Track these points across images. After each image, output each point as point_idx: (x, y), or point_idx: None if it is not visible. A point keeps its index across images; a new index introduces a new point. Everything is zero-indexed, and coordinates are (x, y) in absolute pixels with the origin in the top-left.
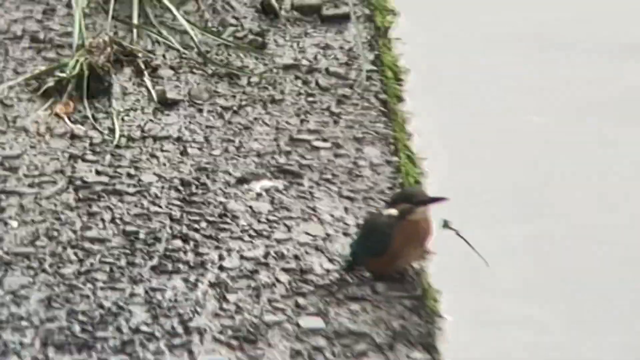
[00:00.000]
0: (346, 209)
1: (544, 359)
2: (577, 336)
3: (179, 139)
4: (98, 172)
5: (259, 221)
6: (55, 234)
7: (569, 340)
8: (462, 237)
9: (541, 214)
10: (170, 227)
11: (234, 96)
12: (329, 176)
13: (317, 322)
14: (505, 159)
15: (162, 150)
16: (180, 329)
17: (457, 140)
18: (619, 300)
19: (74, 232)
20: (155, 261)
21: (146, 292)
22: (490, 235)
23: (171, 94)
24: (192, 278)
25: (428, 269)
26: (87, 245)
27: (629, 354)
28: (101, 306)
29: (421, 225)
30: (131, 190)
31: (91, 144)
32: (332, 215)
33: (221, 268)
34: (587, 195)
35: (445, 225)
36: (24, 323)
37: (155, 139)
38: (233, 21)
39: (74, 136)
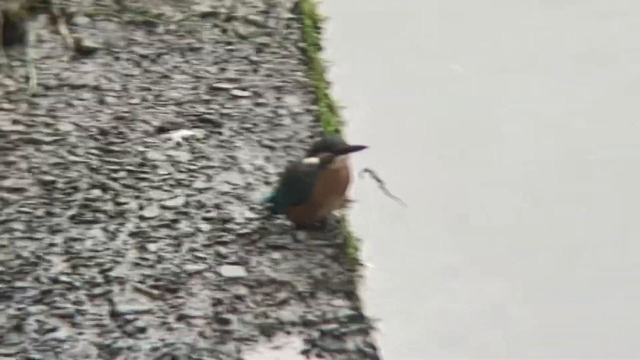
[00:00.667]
0: (267, 158)
1: (462, 305)
2: (492, 282)
3: (96, 88)
4: (14, 121)
5: (179, 170)
6: None
7: (485, 286)
8: (381, 185)
9: (460, 161)
10: (89, 177)
11: (151, 44)
12: (249, 125)
13: (238, 271)
14: (425, 106)
15: (79, 99)
16: (100, 279)
17: (377, 89)
18: (530, 247)
19: None
20: (74, 211)
21: (65, 242)
22: (409, 182)
23: (88, 42)
24: (111, 227)
25: (349, 217)
26: (4, 194)
27: (535, 293)
28: (19, 256)
29: (341, 173)
30: (48, 139)
31: (7, 93)
32: (252, 164)
33: (141, 217)
34: (503, 143)
35: (366, 172)
36: None
37: (72, 87)
38: None
39: None
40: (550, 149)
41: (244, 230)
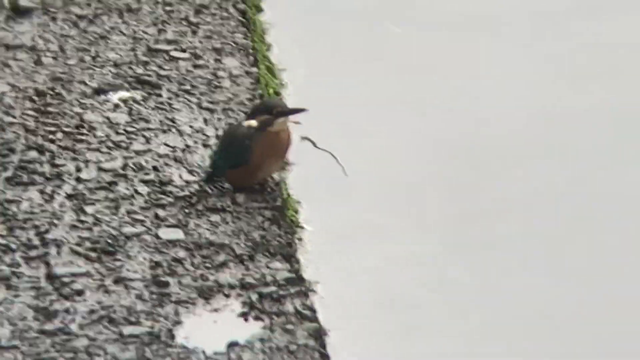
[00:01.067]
0: (205, 120)
1: (400, 267)
2: (429, 244)
3: (32, 48)
4: None
5: (117, 132)
6: None
7: (421, 248)
8: (320, 147)
9: (398, 126)
10: (25, 138)
11: (89, 4)
12: (188, 87)
13: (176, 234)
14: (364, 68)
15: (15, 59)
16: (36, 241)
17: (316, 51)
18: (471, 212)
19: None
20: (9, 172)
21: (1, 203)
22: (348, 146)
23: (24, 2)
24: (48, 189)
25: (288, 180)
26: None
27: (470, 253)
28: None
29: (281, 136)
30: None
31: None
32: (191, 127)
33: (78, 180)
34: (441, 105)
35: (305, 137)
36: None
37: (8, 47)
38: None
39: None
40: (497, 111)
41: (183, 193)
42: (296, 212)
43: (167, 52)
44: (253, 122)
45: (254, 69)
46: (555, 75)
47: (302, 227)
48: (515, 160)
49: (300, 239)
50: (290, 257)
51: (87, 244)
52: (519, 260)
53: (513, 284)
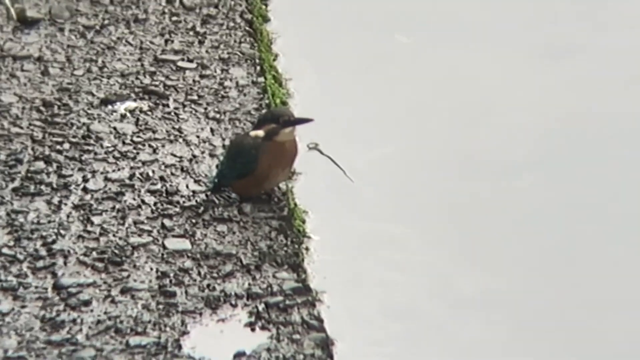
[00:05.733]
0: (212, 130)
1: (407, 276)
2: (436, 254)
3: (39, 59)
4: None
5: (124, 142)
6: None
7: (429, 258)
8: (326, 155)
9: (406, 135)
10: (32, 149)
11: (96, 15)
12: (195, 97)
13: (183, 244)
14: (371, 78)
15: (22, 70)
16: (43, 252)
17: (323, 61)
18: (475, 219)
19: None
20: (16, 183)
21: (8, 214)
22: (354, 155)
23: (31, 12)
24: (55, 200)
25: (295, 189)
26: None
27: (478, 263)
28: None
29: (287, 146)
30: None
31: None
32: (198, 137)
33: (85, 190)
34: (449, 114)
35: (312, 146)
36: None
37: (15, 58)
38: None
39: None
40: (502, 123)
41: (190, 203)
42: (303, 221)
43: (174, 62)
44: (260, 132)
45: (261, 79)
46: (569, 85)
47: (309, 237)
48: (525, 170)
49: (307, 249)
50: (297, 267)
51: (94, 255)
52: (527, 271)
53: (521, 295)
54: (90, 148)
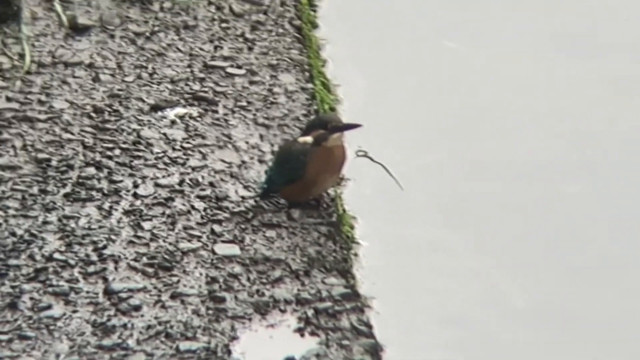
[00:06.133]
0: (261, 136)
1: (456, 283)
2: (486, 260)
3: (90, 65)
4: (8, 99)
5: (174, 148)
6: None
7: (480, 264)
8: (377, 162)
9: (453, 141)
10: (83, 155)
11: (146, 22)
12: (244, 103)
13: (232, 249)
14: (420, 84)
15: (73, 77)
16: (94, 257)
17: (372, 66)
18: (527, 227)
19: None
20: (68, 189)
21: (59, 219)
22: (403, 161)
23: (82, 19)
24: (106, 205)
25: (343, 195)
26: None
27: (536, 276)
28: (13, 234)
29: (336, 151)
30: (42, 117)
31: (1, 70)
32: (247, 143)
33: (135, 195)
34: (499, 121)
35: (361, 152)
36: None
37: (67, 65)
38: None
39: None
40: (549, 130)
41: (239, 209)
42: (352, 227)
43: (223, 68)
44: (308, 138)
45: (310, 85)
46: (614, 85)
47: (357, 243)
48: (573, 176)
49: (355, 255)
50: (345, 273)
51: (144, 260)
52: (578, 280)
53: (572, 304)
54: (141, 154)
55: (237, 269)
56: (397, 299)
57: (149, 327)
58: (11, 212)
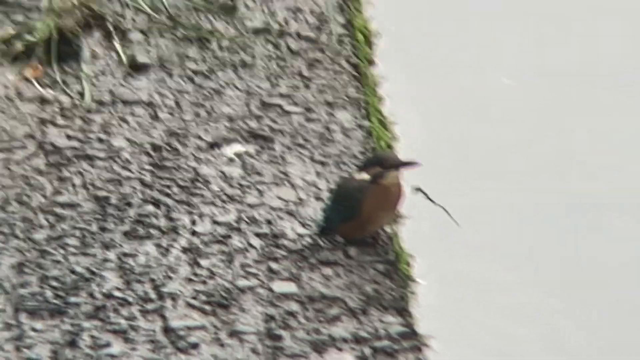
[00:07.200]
0: (318, 174)
1: (515, 321)
2: (545, 299)
3: (149, 104)
4: (68, 137)
5: (231, 186)
6: (26, 199)
7: (539, 303)
8: (432, 200)
9: (511, 178)
10: (142, 192)
11: (204, 60)
12: (301, 141)
13: (290, 287)
14: (477, 121)
15: (132, 115)
16: (153, 294)
17: (429, 104)
18: (584, 262)
19: (45, 197)
20: (127, 226)
21: (118, 257)
22: (461, 198)
23: (141, 58)
24: (164, 243)
25: (401, 233)
26: (58, 210)
27: (597, 315)
28: (73, 272)
29: (393, 189)
30: (102, 155)
31: (61, 108)
32: (304, 180)
33: (193, 233)
34: (557, 160)
35: (417, 189)
36: None
37: (126, 103)
38: None
39: (43, 100)
40: (600, 167)
41: (296, 246)
42: (409, 265)
43: (280, 106)
44: (365, 175)
45: (366, 122)
46: None
47: (415, 281)
48: (627, 214)
49: (413, 293)
50: (403, 311)
51: (202, 297)
52: (635, 321)
53: (633, 344)
54: (198, 191)
55: (294, 306)
56: (455, 337)
57: None
58: (71, 249)
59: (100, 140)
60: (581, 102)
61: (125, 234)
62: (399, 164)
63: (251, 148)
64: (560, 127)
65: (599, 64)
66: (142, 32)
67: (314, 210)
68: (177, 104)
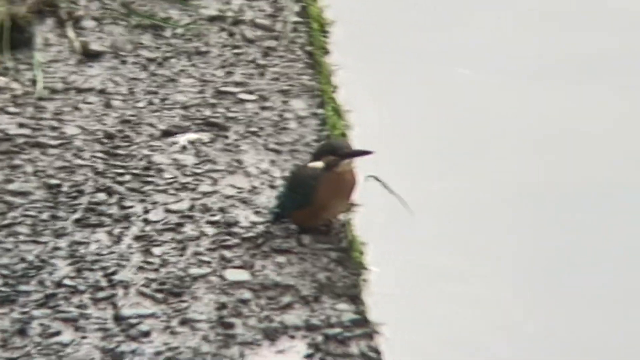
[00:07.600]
0: (272, 162)
1: (466, 309)
2: (498, 288)
3: (102, 91)
4: (20, 125)
5: (184, 174)
6: None
7: (491, 292)
8: (387, 188)
9: (465, 168)
10: (94, 180)
11: (158, 48)
12: (255, 129)
13: (242, 275)
14: (431, 111)
15: (85, 103)
16: (104, 282)
17: (383, 93)
18: (537, 252)
19: None
20: (78, 214)
21: (69, 245)
22: (414, 187)
23: (94, 46)
24: (116, 231)
25: (354, 221)
26: (9, 198)
27: (548, 304)
28: (24, 260)
29: (346, 177)
30: (54, 142)
31: (13, 96)
32: (258, 168)
33: (146, 221)
34: (511, 149)
35: (373, 177)
36: None
37: (79, 90)
38: None
39: None
40: (558, 157)
41: (249, 234)
42: (362, 253)
43: (234, 94)
44: (319, 164)
45: (321, 111)
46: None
47: (367, 269)
48: (591, 205)
49: (365, 281)
50: (355, 299)
51: (154, 285)
52: (590, 308)
53: (583, 329)
54: (151, 179)
55: (247, 294)
56: (407, 325)
57: (158, 353)
58: (22, 237)
59: (53, 128)
60: (538, 92)
61: (77, 222)
62: (353, 153)
63: (205, 136)
64: (515, 116)
65: (559, 57)
66: (95, 19)
67: (268, 199)
68: (131, 91)
